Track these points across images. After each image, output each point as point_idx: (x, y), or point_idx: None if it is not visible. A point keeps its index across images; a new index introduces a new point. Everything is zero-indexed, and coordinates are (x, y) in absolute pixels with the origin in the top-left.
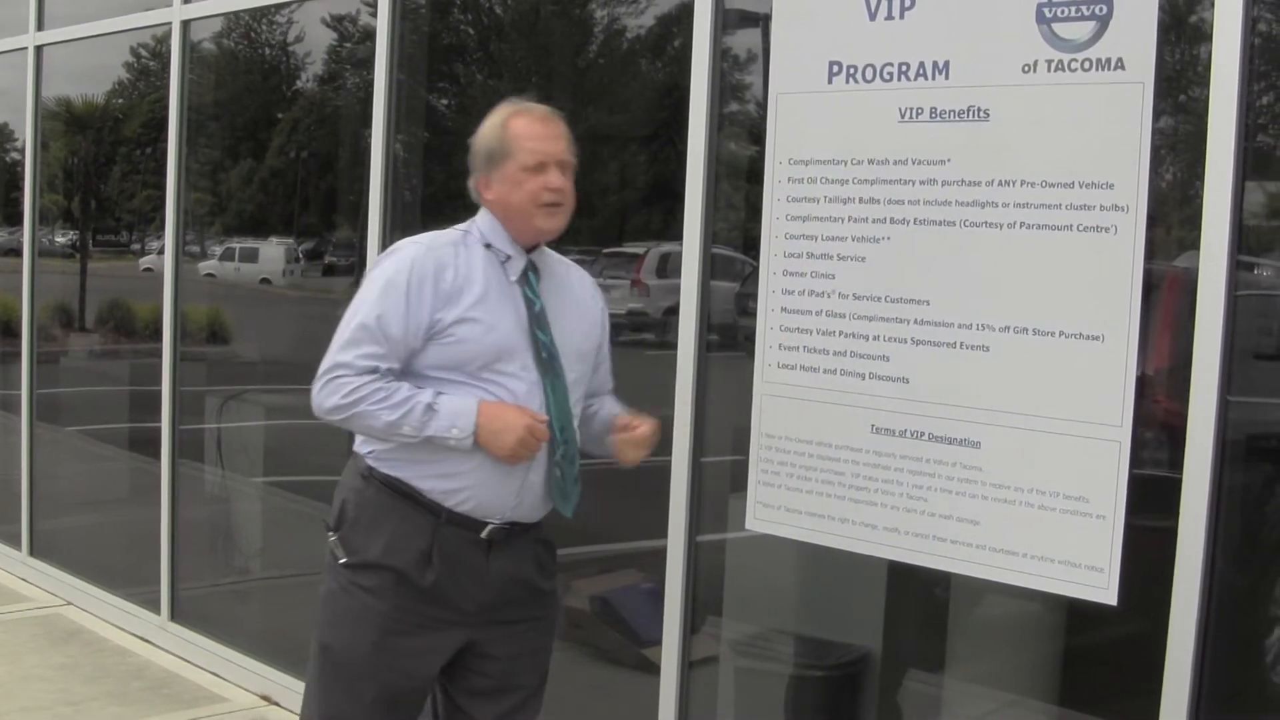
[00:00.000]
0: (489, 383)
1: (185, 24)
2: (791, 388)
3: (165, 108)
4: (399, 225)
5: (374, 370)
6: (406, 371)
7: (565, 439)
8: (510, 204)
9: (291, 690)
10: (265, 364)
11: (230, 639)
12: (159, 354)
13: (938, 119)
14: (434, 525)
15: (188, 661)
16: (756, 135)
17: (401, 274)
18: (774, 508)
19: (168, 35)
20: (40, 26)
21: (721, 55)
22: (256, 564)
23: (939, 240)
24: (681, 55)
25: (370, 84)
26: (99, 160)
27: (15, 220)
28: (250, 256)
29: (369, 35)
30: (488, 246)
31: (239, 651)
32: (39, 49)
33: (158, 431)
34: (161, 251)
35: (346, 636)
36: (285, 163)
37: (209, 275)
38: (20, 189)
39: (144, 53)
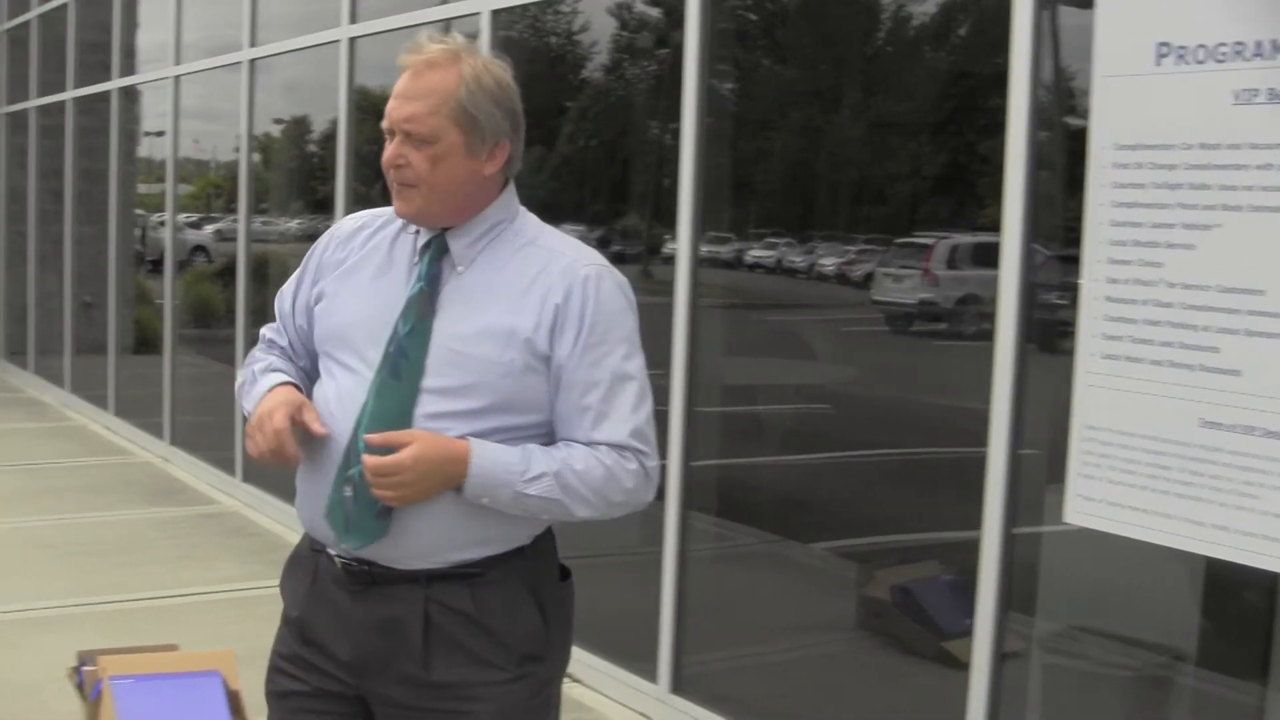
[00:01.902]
0: (324, 370)
1: (495, 13)
2: (1115, 379)
3: None
4: (705, 210)
5: (262, 340)
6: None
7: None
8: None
9: (593, 669)
10: None
11: None
12: None
13: (1276, 101)
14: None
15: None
16: (1049, 120)
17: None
18: (1095, 501)
19: (447, 28)
20: (353, 19)
21: (1045, 41)
22: None
23: (1275, 228)
24: (970, 42)
25: (655, 75)
26: None
27: (316, 208)
28: None
29: (644, 24)
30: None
31: None
32: (352, 41)
33: None
34: None
35: None
36: (575, 150)
37: None
38: (318, 178)
39: None
